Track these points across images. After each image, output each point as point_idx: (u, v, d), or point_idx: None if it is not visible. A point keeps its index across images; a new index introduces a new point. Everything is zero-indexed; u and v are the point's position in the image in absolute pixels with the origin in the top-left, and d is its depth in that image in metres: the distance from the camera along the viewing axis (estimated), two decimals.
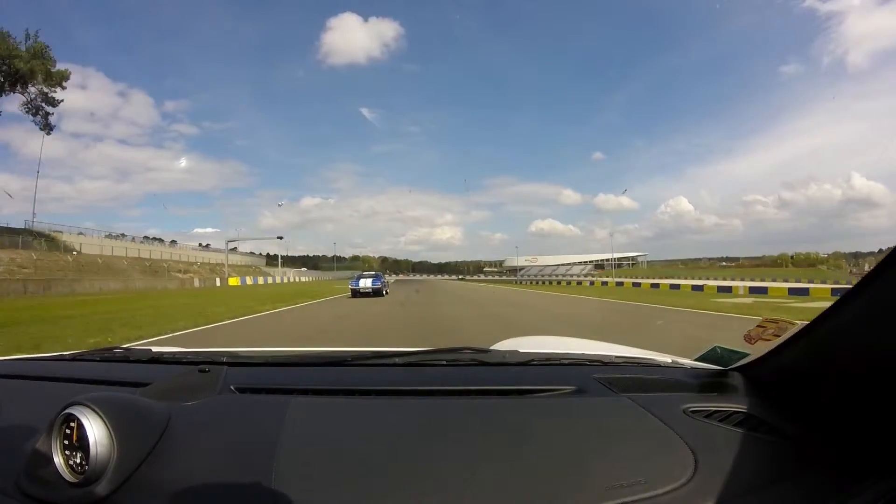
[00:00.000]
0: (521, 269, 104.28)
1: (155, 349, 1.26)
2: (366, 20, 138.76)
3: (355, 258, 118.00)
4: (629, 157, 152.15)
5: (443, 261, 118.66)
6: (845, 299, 0.64)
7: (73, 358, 1.26)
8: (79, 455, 0.69)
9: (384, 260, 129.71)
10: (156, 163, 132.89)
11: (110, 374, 1.11)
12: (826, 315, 0.69)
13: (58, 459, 0.70)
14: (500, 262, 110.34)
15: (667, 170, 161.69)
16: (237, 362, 1.09)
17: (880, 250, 57.46)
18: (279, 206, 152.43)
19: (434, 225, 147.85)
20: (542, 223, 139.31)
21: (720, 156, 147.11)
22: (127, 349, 1.27)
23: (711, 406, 0.81)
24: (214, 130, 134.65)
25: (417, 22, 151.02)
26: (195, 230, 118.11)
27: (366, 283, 20.99)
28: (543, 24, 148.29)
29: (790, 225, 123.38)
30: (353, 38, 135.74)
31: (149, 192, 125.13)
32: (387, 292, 22.56)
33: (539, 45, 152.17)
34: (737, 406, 0.81)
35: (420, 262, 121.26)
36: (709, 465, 0.68)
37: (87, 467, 0.68)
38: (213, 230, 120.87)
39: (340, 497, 0.65)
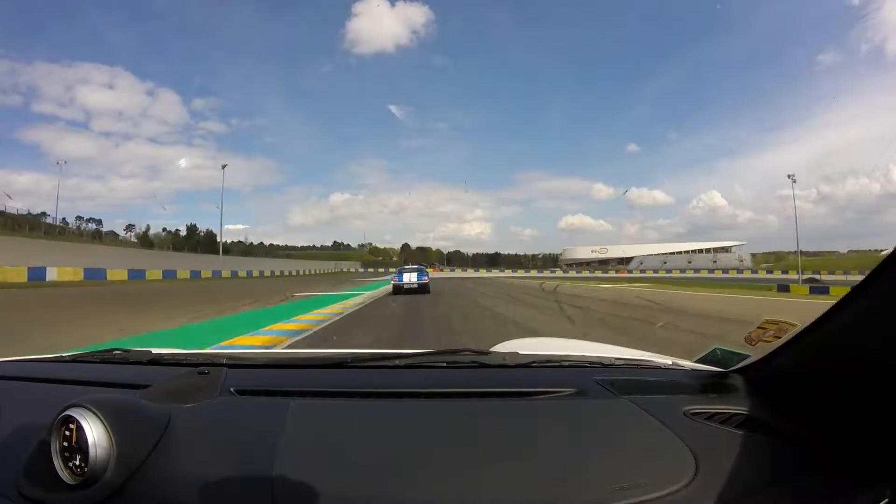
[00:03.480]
0: (628, 259, 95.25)
1: (154, 351, 1.27)
2: (393, 5, 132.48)
3: (361, 246, 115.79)
4: (661, 150, 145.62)
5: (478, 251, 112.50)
6: (846, 300, 0.64)
7: (73, 359, 1.27)
8: (78, 457, 0.70)
9: (405, 249, 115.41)
10: (186, 160, 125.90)
11: (110, 376, 1.12)
12: (826, 316, 0.69)
13: (57, 461, 0.70)
14: (556, 256, 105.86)
15: (699, 163, 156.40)
16: (237, 364, 1.10)
17: None
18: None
19: (463, 220, 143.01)
20: (572, 218, 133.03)
21: (754, 149, 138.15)
22: (126, 351, 1.28)
23: (712, 408, 0.82)
24: (243, 128, 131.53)
25: (446, 9, 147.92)
26: (225, 227, 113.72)
27: (410, 279, 19.18)
28: (574, 15, 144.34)
29: (828, 221, 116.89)
30: (381, 24, 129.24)
31: (180, 189, 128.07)
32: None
33: (569, 37, 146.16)
34: (737, 408, 0.82)
35: (454, 253, 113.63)
36: (709, 467, 0.68)
37: (86, 469, 0.68)
38: (244, 227, 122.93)
39: (341, 499, 0.65)
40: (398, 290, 19.03)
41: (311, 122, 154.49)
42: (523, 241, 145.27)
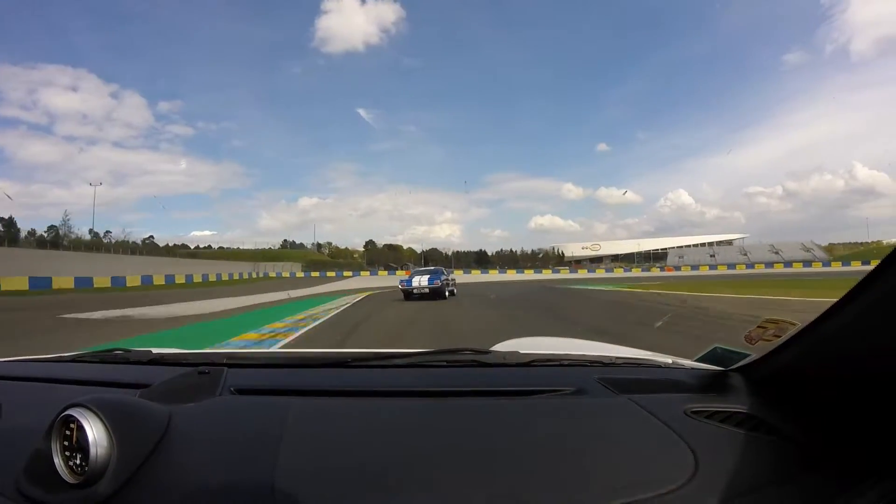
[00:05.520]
0: (659, 253, 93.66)
1: (154, 351, 1.28)
2: (363, 1, 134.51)
3: (319, 246, 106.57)
4: (631, 150, 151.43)
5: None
6: (846, 299, 0.64)
7: (73, 359, 1.29)
8: (78, 456, 0.70)
9: (369, 247, 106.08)
10: (152, 165, 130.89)
11: (110, 376, 1.13)
12: (827, 315, 0.69)
13: (58, 461, 0.71)
14: (561, 253, 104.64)
15: (667, 163, 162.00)
16: (237, 364, 1.11)
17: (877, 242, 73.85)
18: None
19: (433, 223, 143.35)
20: (542, 219, 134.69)
21: (721, 148, 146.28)
22: (126, 351, 1.29)
23: (712, 407, 0.82)
24: (210, 131, 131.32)
25: (417, 7, 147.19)
26: (192, 233, 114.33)
27: (420, 283, 17.49)
28: (545, 16, 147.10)
29: (794, 216, 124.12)
30: (351, 22, 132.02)
31: (145, 195, 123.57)
32: (451, 293, 18.98)
33: (540, 38, 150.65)
34: (737, 407, 0.82)
35: (431, 251, 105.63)
36: (710, 466, 0.68)
37: (86, 469, 0.68)
38: (211, 233, 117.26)
39: (341, 499, 0.66)
40: (408, 295, 17.44)
41: (279, 124, 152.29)
42: (492, 242, 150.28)
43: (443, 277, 18.28)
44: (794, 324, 0.86)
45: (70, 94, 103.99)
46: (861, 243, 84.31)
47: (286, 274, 68.09)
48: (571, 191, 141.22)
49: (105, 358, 1.27)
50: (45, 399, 0.95)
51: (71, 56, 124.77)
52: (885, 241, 78.63)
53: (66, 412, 0.73)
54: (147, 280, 41.49)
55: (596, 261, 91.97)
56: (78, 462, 0.70)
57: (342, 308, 14.86)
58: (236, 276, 56.64)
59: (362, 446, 0.76)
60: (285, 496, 0.65)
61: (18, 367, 1.30)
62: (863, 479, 0.66)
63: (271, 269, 69.49)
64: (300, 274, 70.33)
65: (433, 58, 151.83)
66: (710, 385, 0.91)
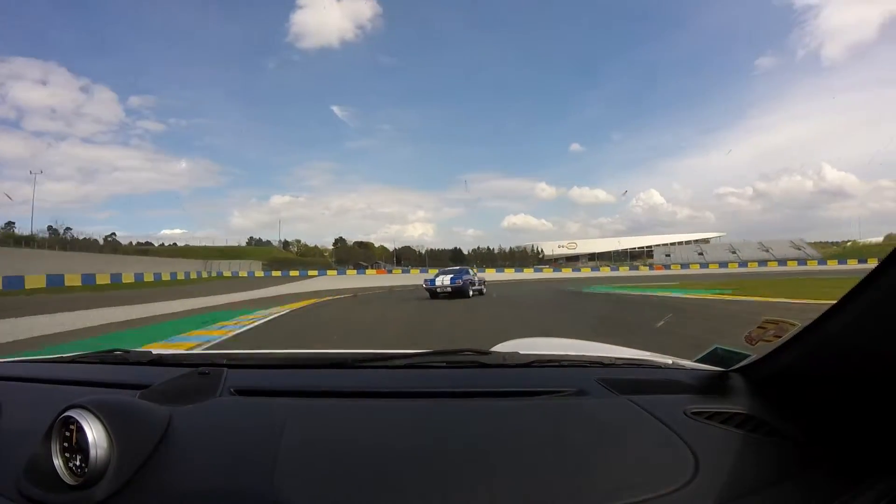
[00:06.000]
0: (647, 250, 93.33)
1: (155, 351, 1.30)
2: None
3: (286, 244, 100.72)
4: (604, 151, 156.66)
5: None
6: (846, 299, 0.66)
7: (73, 360, 1.31)
8: (78, 457, 0.72)
9: (339, 245, 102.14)
10: (122, 162, 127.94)
11: (110, 377, 1.15)
12: (827, 315, 0.71)
13: (57, 462, 0.72)
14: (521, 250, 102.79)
15: (640, 163, 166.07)
16: (237, 364, 1.13)
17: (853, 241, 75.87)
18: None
19: (406, 222, 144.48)
20: (515, 218, 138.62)
21: (693, 149, 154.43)
22: (126, 351, 1.31)
23: (712, 407, 0.84)
24: (182, 127, 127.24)
25: (394, 4, 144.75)
26: (163, 231, 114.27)
27: (443, 282, 18.08)
28: (521, 17, 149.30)
29: (764, 217, 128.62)
30: (327, 17, 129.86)
31: (115, 192, 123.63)
32: (478, 292, 19.60)
33: (516, 39, 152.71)
34: (738, 407, 0.84)
35: (404, 249, 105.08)
36: (710, 467, 0.70)
37: (86, 470, 0.70)
38: (182, 231, 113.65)
39: (342, 500, 0.67)
40: (433, 294, 18.02)
41: (253, 121, 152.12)
42: (466, 241, 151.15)
43: (465, 277, 18.71)
44: (794, 324, 0.88)
45: (39, 87, 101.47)
46: (833, 242, 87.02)
47: (243, 273, 63.78)
48: (545, 190, 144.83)
49: (105, 358, 1.28)
50: (44, 400, 0.97)
51: (41, 49, 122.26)
52: (860, 241, 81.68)
53: (66, 413, 0.75)
54: (89, 280, 38.86)
55: (572, 259, 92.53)
56: (78, 463, 0.71)
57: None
58: (181, 276, 52.36)
59: (362, 447, 0.77)
60: (285, 497, 0.67)
61: (18, 367, 1.34)
62: (863, 479, 0.68)
63: (226, 268, 65.26)
64: (259, 273, 65.26)
65: (409, 56, 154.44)
66: (711, 386, 0.93)
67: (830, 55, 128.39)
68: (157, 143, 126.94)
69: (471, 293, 18.44)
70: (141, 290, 30.42)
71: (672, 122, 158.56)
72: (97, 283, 39.12)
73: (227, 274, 62.32)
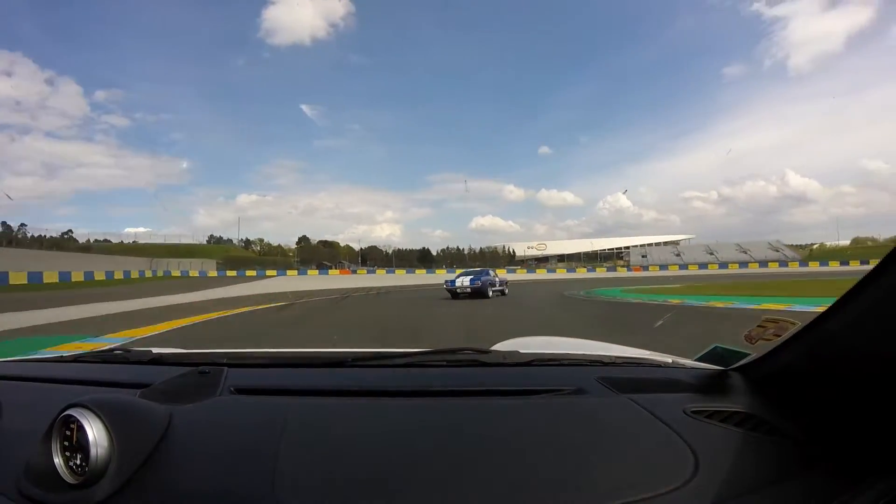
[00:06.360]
0: (621, 252, 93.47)
1: (155, 350, 1.31)
2: None
3: (247, 242, 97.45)
4: (573, 154, 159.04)
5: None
6: (846, 298, 0.68)
7: (74, 359, 1.32)
8: (79, 457, 0.73)
9: (302, 244, 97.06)
10: (87, 157, 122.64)
11: (110, 376, 1.17)
12: (827, 314, 0.72)
13: (58, 461, 0.73)
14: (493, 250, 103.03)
15: (608, 166, 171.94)
16: (237, 363, 1.15)
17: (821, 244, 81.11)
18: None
19: (374, 222, 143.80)
20: (482, 219, 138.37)
21: (660, 153, 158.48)
22: (127, 350, 1.32)
23: (712, 406, 0.86)
24: (148, 123, 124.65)
25: (366, 6, 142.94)
26: (126, 230, 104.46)
27: (463, 283, 19.03)
28: (492, 20, 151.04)
29: (728, 220, 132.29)
30: (299, 13, 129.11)
31: (79, 189, 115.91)
32: (498, 293, 20.11)
33: (487, 41, 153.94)
34: (737, 406, 0.86)
35: (370, 249, 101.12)
36: (709, 466, 0.71)
37: (86, 469, 0.71)
38: (146, 230, 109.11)
39: (342, 499, 0.69)
40: (454, 295, 18.92)
41: (221, 117, 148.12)
42: (434, 241, 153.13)
43: (485, 278, 19.54)
44: (794, 323, 0.90)
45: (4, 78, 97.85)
46: (798, 245, 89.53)
47: (194, 273, 58.18)
48: (513, 192, 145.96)
49: (105, 358, 1.30)
50: (45, 399, 0.97)
51: (5, 39, 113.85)
52: (828, 244, 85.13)
53: (67, 412, 0.76)
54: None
55: (542, 260, 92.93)
56: (78, 462, 0.72)
57: None
58: (118, 276, 48.34)
59: (362, 446, 0.79)
60: (286, 496, 0.68)
61: (18, 367, 1.35)
62: (862, 479, 0.69)
63: (177, 267, 59.87)
64: (213, 273, 60.43)
65: (380, 56, 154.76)
66: (711, 384, 0.95)
67: (797, 65, 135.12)
68: (122, 139, 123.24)
69: (490, 294, 19.10)
70: (53, 292, 26.85)
71: (640, 126, 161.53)
72: (10, 282, 34.81)
73: (175, 273, 58.76)
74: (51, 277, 39.63)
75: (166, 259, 63.14)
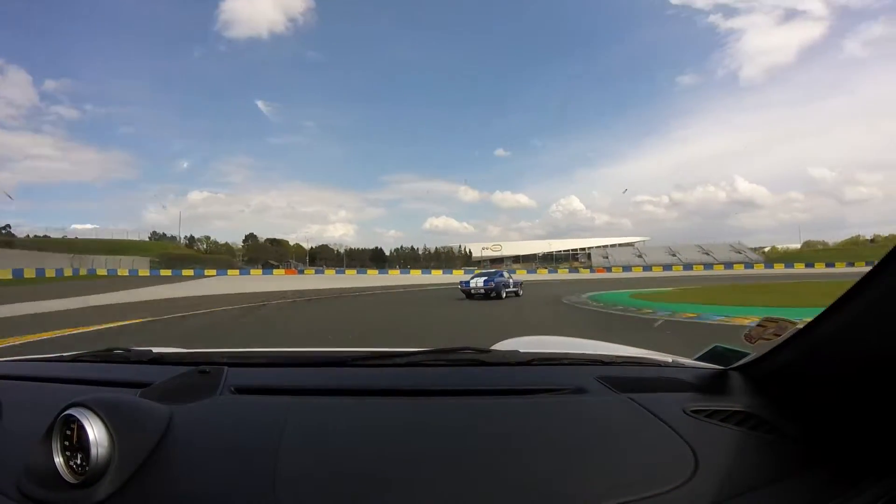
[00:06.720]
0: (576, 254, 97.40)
1: (155, 350, 1.33)
2: None
3: (192, 240, 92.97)
4: (528, 157, 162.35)
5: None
6: (845, 298, 0.69)
7: (74, 359, 1.33)
8: (79, 456, 0.74)
9: (249, 242, 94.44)
10: (34, 149, 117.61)
11: (110, 375, 1.17)
12: (826, 314, 0.74)
13: (58, 460, 0.74)
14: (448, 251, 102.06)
15: (562, 170, 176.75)
16: (237, 363, 1.16)
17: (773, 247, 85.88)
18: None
19: (327, 222, 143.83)
20: (436, 220, 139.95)
21: (612, 159, 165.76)
22: (127, 350, 1.33)
23: (712, 405, 0.88)
24: (99, 115, 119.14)
25: (326, 2, 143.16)
26: (72, 226, 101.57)
27: (476, 283, 19.73)
28: (452, 21, 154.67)
29: (678, 224, 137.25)
30: (257, 6, 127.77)
31: (24, 182, 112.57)
32: (514, 294, 20.51)
33: (446, 43, 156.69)
34: (737, 405, 0.88)
35: (321, 248, 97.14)
36: (709, 465, 0.72)
37: (87, 468, 0.72)
38: (92, 226, 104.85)
39: (342, 499, 0.70)
40: (468, 295, 19.72)
41: (173, 111, 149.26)
42: (387, 241, 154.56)
43: (498, 279, 20.18)
44: (793, 322, 0.92)
45: None
46: (754, 248, 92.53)
47: (123, 272, 54.77)
48: (468, 193, 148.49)
49: (105, 357, 1.30)
50: (45, 399, 0.98)
51: None
52: (780, 247, 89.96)
53: (67, 412, 0.77)
54: None
55: (497, 261, 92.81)
56: (79, 462, 0.73)
57: None
58: (29, 274, 45.02)
59: (362, 445, 0.80)
60: (286, 495, 0.69)
61: (18, 366, 1.36)
62: (862, 478, 0.71)
63: (103, 265, 56.14)
64: (144, 272, 56.13)
65: (338, 54, 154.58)
66: (711, 384, 0.96)
67: (749, 76, 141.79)
68: (71, 131, 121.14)
69: (504, 295, 19.60)
70: None
71: (595, 131, 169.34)
72: None
73: (101, 272, 54.77)
74: None
75: (93, 256, 59.48)
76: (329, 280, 47.57)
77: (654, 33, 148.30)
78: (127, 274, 55.97)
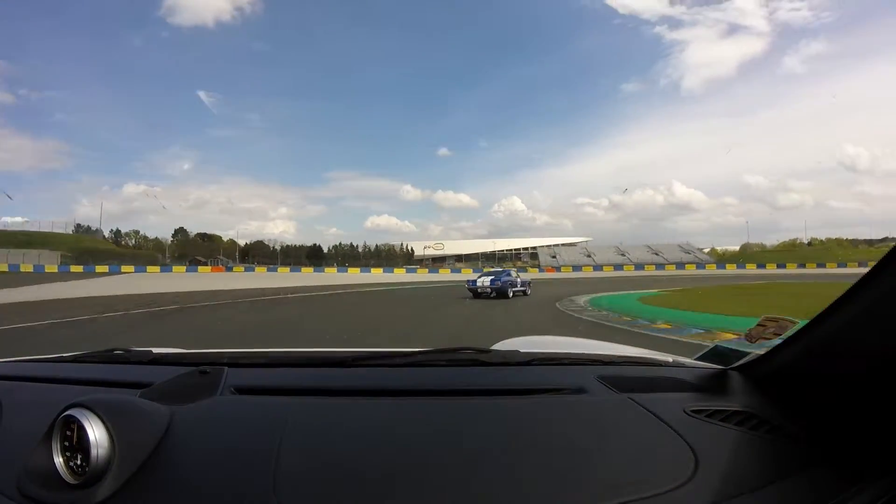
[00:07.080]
0: (517, 253, 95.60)
1: (155, 350, 1.33)
2: None
3: (119, 235, 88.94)
4: (472, 157, 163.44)
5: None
6: (845, 297, 0.71)
7: (74, 359, 1.33)
8: (79, 457, 0.74)
9: (179, 237, 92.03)
10: None
11: (110, 376, 1.17)
12: (826, 313, 0.76)
13: (58, 461, 0.74)
14: (391, 248, 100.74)
15: (504, 171, 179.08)
16: (237, 363, 1.16)
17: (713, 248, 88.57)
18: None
19: (267, 218, 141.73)
20: (378, 219, 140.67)
21: (555, 161, 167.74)
22: (127, 350, 1.32)
23: (712, 405, 0.89)
24: (32, 100, 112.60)
25: None
26: (3, 218, 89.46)
27: (483, 283, 20.05)
28: (401, 19, 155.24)
29: (617, 226, 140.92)
30: None
31: None
32: (521, 293, 21.03)
33: (393, 40, 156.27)
34: (738, 405, 0.89)
35: (256, 244, 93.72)
36: (710, 465, 0.73)
37: (87, 469, 0.72)
38: (23, 219, 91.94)
39: (343, 499, 0.71)
40: (476, 294, 19.97)
41: (111, 100, 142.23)
42: (328, 239, 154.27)
43: (505, 278, 20.48)
44: (794, 322, 0.94)
45: None
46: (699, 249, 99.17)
47: (28, 267, 50.11)
48: (410, 192, 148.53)
49: (105, 358, 1.29)
50: (45, 399, 0.97)
51: None
52: (719, 249, 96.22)
53: (67, 412, 0.76)
54: None
55: (439, 260, 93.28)
56: (79, 462, 0.73)
57: None
58: None
59: (363, 445, 0.81)
60: (287, 495, 0.70)
61: (18, 367, 1.36)
62: (862, 478, 0.72)
63: (4, 259, 52.31)
64: (52, 268, 51.94)
65: (284, 47, 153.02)
66: (711, 384, 0.98)
67: (689, 86, 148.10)
68: (3, 116, 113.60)
69: (511, 294, 19.94)
70: None
71: (538, 133, 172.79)
72: None
73: (2, 267, 47.93)
74: None
75: None
76: (260, 279, 44.81)
77: (601, 41, 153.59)
78: (31, 269, 52.22)
